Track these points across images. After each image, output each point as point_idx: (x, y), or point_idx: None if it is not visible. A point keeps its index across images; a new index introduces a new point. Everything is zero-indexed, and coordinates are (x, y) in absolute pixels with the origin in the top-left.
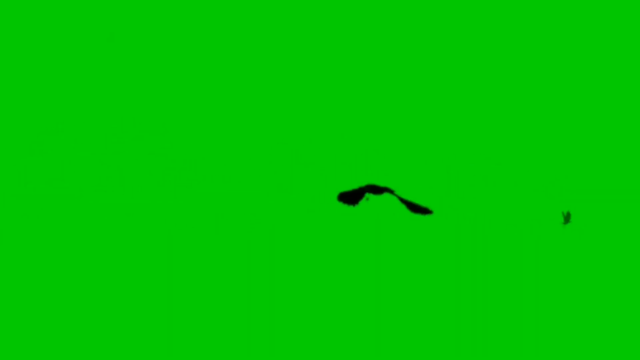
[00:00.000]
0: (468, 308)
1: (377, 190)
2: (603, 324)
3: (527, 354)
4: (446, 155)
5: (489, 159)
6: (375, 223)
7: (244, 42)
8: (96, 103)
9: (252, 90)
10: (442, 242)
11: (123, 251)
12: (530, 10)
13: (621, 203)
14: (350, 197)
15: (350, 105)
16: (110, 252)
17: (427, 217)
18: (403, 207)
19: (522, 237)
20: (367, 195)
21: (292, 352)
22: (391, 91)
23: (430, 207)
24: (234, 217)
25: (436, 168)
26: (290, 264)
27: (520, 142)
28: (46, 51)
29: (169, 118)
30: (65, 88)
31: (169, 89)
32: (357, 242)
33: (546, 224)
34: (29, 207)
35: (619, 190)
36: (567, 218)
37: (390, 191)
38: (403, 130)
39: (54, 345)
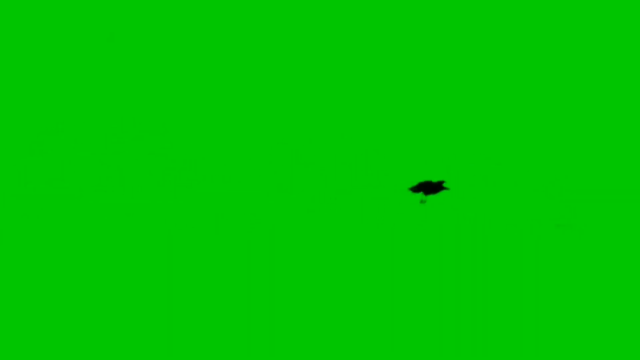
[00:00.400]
0: (467, 307)
1: (433, 187)
2: (602, 324)
3: (527, 354)
4: (443, 155)
5: (487, 158)
6: (378, 219)
7: (241, 43)
8: (95, 103)
9: (248, 90)
10: (440, 241)
11: (120, 251)
12: (530, 10)
13: (621, 203)
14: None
15: (345, 105)
16: (108, 252)
17: (424, 216)
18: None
19: (522, 236)
20: (423, 197)
21: (292, 352)
22: (389, 91)
23: (428, 207)
24: (232, 217)
25: (433, 168)
26: (288, 264)
27: (518, 142)
28: (46, 51)
29: (166, 118)
30: (64, 88)
31: (167, 89)
32: (354, 242)
33: (545, 224)
34: (29, 207)
35: (618, 190)
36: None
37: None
38: (401, 130)
39: (53, 345)
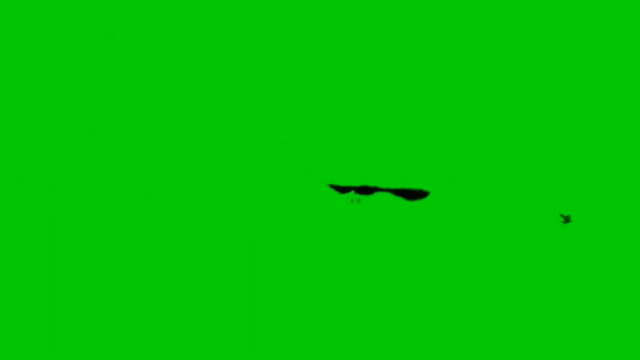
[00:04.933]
0: (465, 309)
1: (367, 191)
2: (602, 326)
3: (526, 355)
4: (441, 156)
5: (486, 159)
6: (371, 221)
7: (237, 43)
8: (94, 103)
9: (245, 91)
10: (439, 241)
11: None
12: (530, 10)
13: (621, 203)
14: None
15: (342, 105)
16: (107, 252)
17: (423, 216)
18: (398, 199)
19: (521, 237)
20: (356, 197)
21: (290, 352)
22: (385, 91)
23: (425, 207)
24: (229, 218)
25: (430, 168)
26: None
27: (517, 141)
28: (46, 51)
29: (163, 118)
30: (63, 88)
31: (165, 89)
32: (353, 242)
33: (546, 224)
34: (29, 208)
35: (618, 190)
36: (567, 219)
37: (381, 190)
38: (397, 130)
39: (53, 345)
